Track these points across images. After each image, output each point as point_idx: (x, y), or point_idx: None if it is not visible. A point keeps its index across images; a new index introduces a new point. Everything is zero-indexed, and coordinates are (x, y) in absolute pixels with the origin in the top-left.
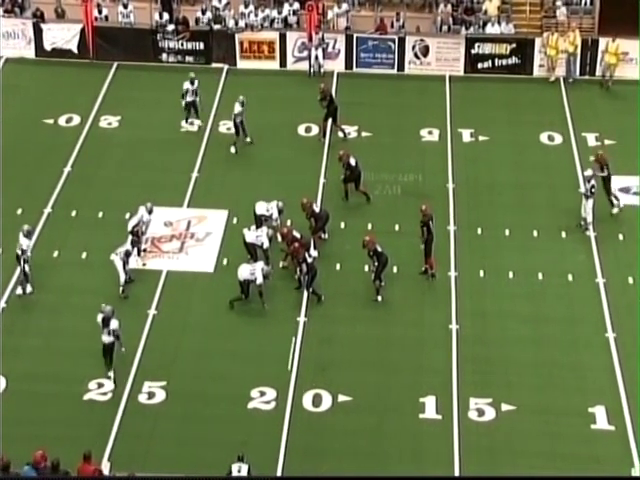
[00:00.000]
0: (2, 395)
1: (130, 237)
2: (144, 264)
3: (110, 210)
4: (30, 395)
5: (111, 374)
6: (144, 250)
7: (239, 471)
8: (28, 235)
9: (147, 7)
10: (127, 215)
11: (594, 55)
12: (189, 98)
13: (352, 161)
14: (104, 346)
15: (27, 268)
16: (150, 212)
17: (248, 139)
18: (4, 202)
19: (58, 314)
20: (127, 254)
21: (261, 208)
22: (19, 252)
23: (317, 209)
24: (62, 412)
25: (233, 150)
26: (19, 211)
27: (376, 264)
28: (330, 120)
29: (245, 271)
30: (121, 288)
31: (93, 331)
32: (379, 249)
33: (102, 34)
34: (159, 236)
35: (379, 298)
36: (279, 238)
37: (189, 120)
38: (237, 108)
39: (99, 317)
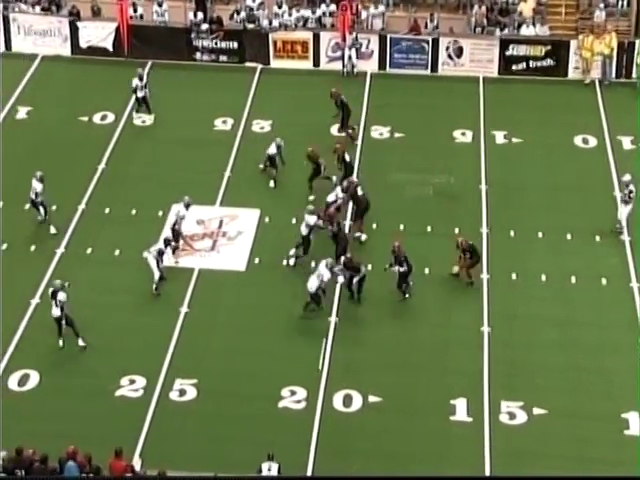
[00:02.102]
0: (36, 390)
1: (163, 236)
2: (177, 262)
3: (143, 208)
4: (63, 391)
5: (81, 341)
6: (176, 248)
7: (269, 470)
8: (41, 180)
9: (182, 6)
10: (160, 213)
11: (630, 58)
12: (140, 93)
13: (347, 157)
14: (55, 319)
15: (43, 211)
16: (187, 207)
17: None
18: None
19: (91, 310)
20: (160, 252)
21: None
22: (33, 196)
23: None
24: (94, 408)
25: (272, 184)
26: (54, 207)
27: (404, 269)
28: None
29: (313, 282)
30: (154, 285)
31: (126, 328)
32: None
33: (137, 33)
34: (191, 234)
35: (406, 296)
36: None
37: (139, 113)
38: (272, 149)
39: (49, 290)
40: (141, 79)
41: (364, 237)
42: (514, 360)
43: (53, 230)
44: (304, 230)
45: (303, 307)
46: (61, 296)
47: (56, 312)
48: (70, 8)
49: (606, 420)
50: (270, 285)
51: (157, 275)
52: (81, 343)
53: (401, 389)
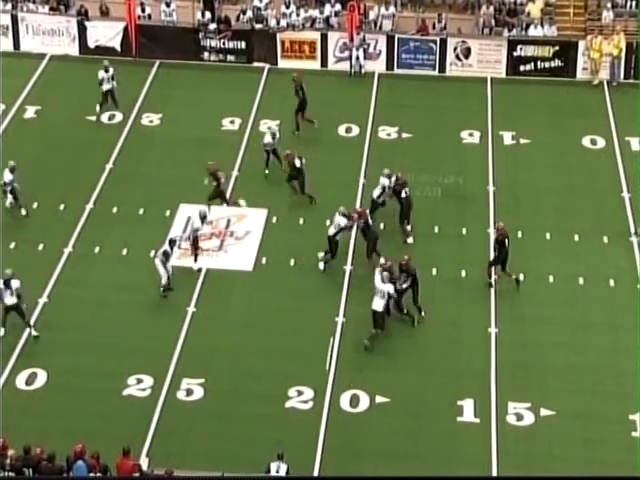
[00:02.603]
0: (43, 389)
1: (168, 239)
2: (199, 269)
3: (151, 207)
4: (70, 390)
5: (34, 332)
6: (179, 247)
7: (277, 470)
8: (12, 171)
9: (189, 6)
10: (168, 212)
11: (639, 58)
12: (106, 86)
13: (297, 162)
14: (8, 308)
15: (11, 198)
16: (203, 219)
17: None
18: (47, 198)
19: (98, 309)
20: (165, 254)
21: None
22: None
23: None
24: (102, 407)
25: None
26: (61, 207)
27: (408, 285)
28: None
29: (379, 303)
30: (162, 289)
31: (133, 327)
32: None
33: (145, 32)
34: (199, 234)
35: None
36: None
37: (103, 108)
38: (267, 139)
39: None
40: (107, 71)
41: (410, 240)
42: (521, 361)
43: (23, 212)
44: (331, 231)
45: (368, 339)
46: (15, 284)
47: (11, 300)
48: (78, 8)
49: (613, 422)
50: (277, 285)
51: (165, 279)
52: (34, 333)
53: (408, 390)
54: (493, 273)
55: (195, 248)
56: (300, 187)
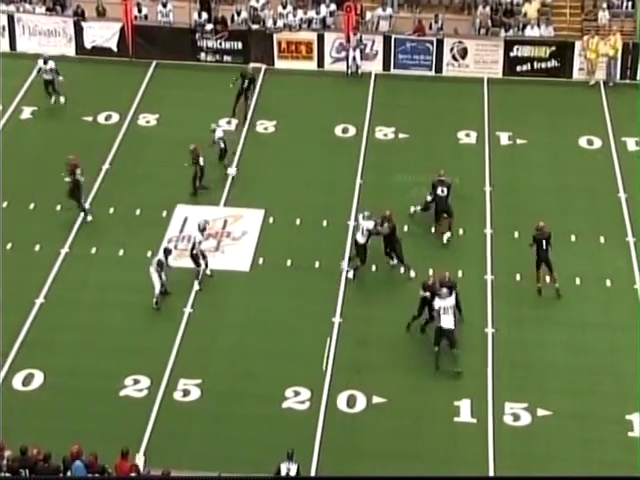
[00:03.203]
0: (40, 390)
1: (163, 247)
2: (211, 275)
3: (147, 208)
4: (67, 390)
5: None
6: (175, 247)
7: (288, 471)
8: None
9: (186, 6)
10: (164, 213)
11: (635, 59)
12: (46, 76)
13: (201, 161)
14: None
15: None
16: (203, 231)
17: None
18: (43, 199)
19: (95, 310)
20: (160, 264)
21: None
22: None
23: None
24: (98, 407)
25: (234, 172)
26: (58, 207)
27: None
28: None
29: (450, 320)
30: (155, 299)
31: (130, 328)
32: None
33: (141, 33)
34: (202, 246)
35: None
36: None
37: (52, 97)
38: (219, 133)
39: None
40: (45, 62)
41: (446, 237)
42: (518, 361)
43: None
44: (361, 238)
45: (435, 367)
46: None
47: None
48: (75, 8)
49: (611, 422)
50: (274, 285)
51: (158, 289)
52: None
53: (405, 390)
54: (541, 277)
55: (200, 258)
56: (199, 182)
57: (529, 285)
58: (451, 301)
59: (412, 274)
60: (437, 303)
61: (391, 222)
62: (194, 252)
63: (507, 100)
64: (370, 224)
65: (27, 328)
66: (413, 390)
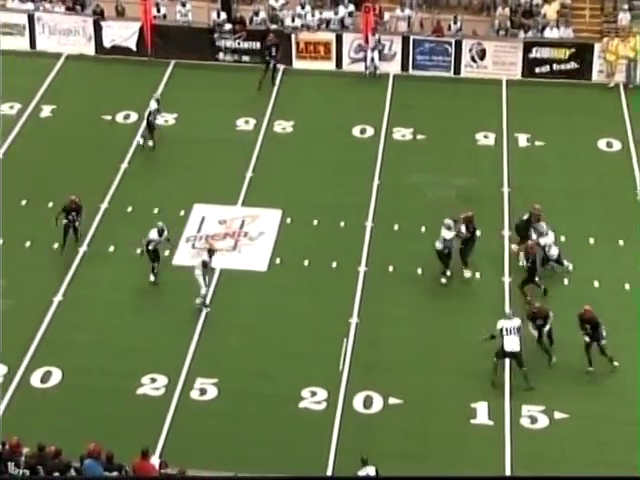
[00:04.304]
0: (58, 387)
1: (207, 249)
2: (155, 282)
3: (165, 207)
4: (85, 388)
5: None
6: (193, 247)
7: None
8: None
9: (205, 6)
10: (182, 212)
11: None
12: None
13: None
14: None
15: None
16: (160, 233)
17: (150, 143)
18: (62, 197)
19: (113, 309)
20: (205, 264)
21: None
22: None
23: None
24: (116, 406)
25: (151, 143)
26: None
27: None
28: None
29: (514, 342)
30: (202, 300)
31: (147, 326)
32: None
33: (160, 32)
34: (213, 234)
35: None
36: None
37: None
38: (152, 105)
39: None
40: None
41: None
42: (535, 363)
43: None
44: (439, 245)
45: (491, 380)
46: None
47: None
48: (94, 7)
49: (628, 424)
50: (291, 285)
51: (204, 290)
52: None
53: (422, 391)
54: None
55: (152, 260)
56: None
57: (547, 287)
58: (516, 322)
59: (467, 274)
60: (500, 324)
61: (472, 224)
62: (149, 248)
63: (526, 102)
64: (450, 234)
65: (45, 326)
66: (430, 391)
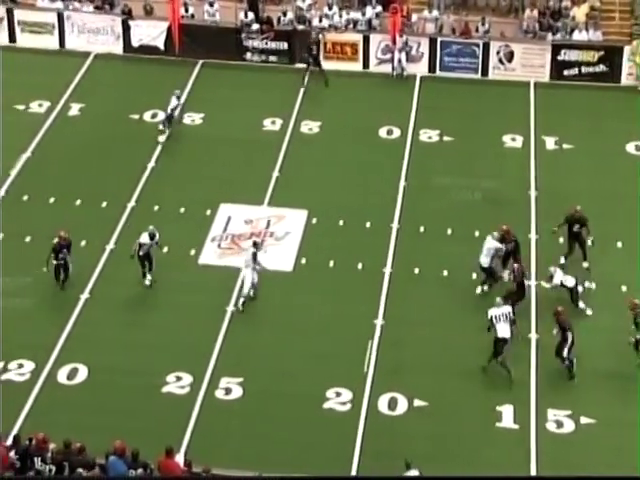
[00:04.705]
0: (84, 384)
1: (252, 241)
2: (151, 285)
3: (191, 206)
4: (110, 385)
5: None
6: (219, 247)
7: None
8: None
9: (232, 6)
10: (208, 212)
11: None
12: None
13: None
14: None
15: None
16: (152, 237)
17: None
18: (90, 195)
19: (139, 307)
20: (254, 257)
21: None
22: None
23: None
24: (140, 404)
25: (162, 139)
26: (104, 204)
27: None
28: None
29: (505, 329)
30: (242, 300)
31: (173, 325)
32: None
33: (188, 32)
34: (239, 234)
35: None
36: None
37: None
38: (173, 102)
39: None
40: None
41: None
42: (562, 368)
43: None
44: (485, 261)
45: (509, 378)
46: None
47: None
48: (123, 7)
49: None
50: (317, 286)
51: (247, 288)
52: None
53: (447, 393)
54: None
55: (142, 265)
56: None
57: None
58: (506, 309)
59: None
60: (490, 312)
61: (511, 235)
62: (140, 253)
63: (554, 104)
64: (496, 244)
65: (72, 323)
66: (455, 394)
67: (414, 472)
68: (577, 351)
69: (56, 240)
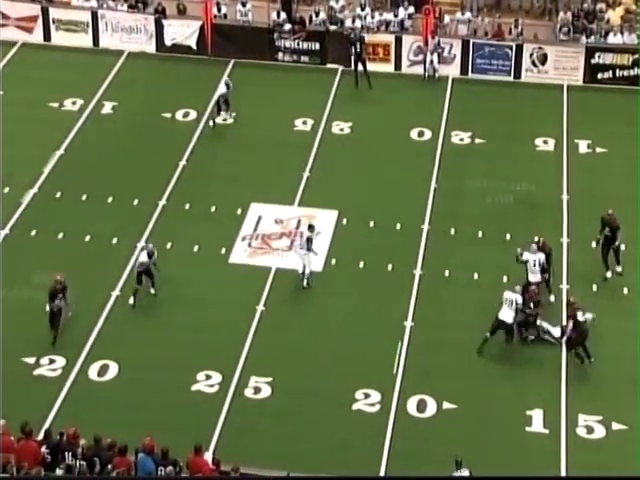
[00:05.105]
0: (114, 381)
1: (307, 225)
2: (155, 294)
3: (222, 205)
4: (140, 382)
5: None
6: (249, 246)
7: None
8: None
9: (265, 6)
10: (239, 211)
11: None
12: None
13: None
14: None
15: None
16: (150, 256)
17: (227, 116)
18: (122, 193)
19: (169, 305)
20: (309, 240)
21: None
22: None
23: None
24: (170, 401)
25: (211, 124)
26: (135, 202)
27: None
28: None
29: (508, 314)
30: (306, 280)
31: (202, 323)
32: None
33: (220, 31)
34: (269, 233)
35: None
36: None
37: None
38: (222, 89)
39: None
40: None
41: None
42: (594, 373)
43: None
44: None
45: (478, 351)
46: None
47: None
48: (156, 6)
49: None
50: (346, 287)
51: (308, 269)
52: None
53: (476, 397)
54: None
55: (139, 281)
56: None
57: (606, 296)
58: (517, 297)
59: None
60: (505, 294)
61: (547, 246)
62: (139, 270)
63: (587, 108)
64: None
65: (103, 319)
66: (484, 397)
67: (465, 472)
68: (608, 356)
69: (53, 284)
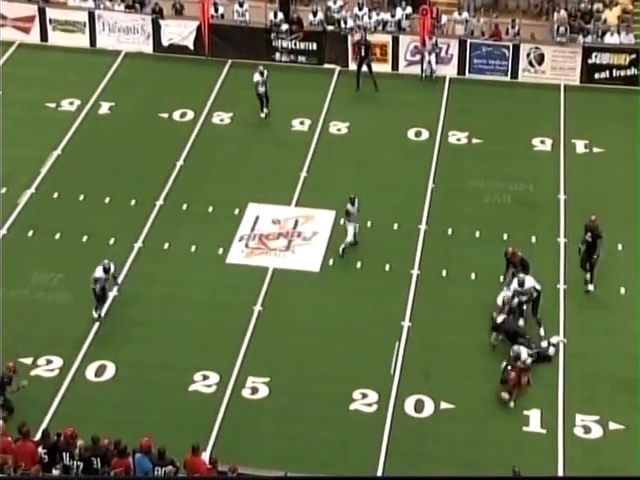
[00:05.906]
0: (111, 381)
1: (348, 203)
2: (99, 318)
3: (220, 205)
4: (137, 383)
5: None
6: (246, 246)
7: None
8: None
9: (262, 6)
10: (236, 211)
11: None
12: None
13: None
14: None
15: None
16: (106, 271)
17: (265, 111)
18: (119, 193)
19: (166, 305)
20: (348, 213)
21: None
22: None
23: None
24: (167, 401)
25: (263, 115)
26: (132, 202)
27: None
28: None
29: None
30: (343, 247)
31: (200, 323)
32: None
33: (218, 32)
34: (266, 233)
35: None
36: None
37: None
38: (256, 77)
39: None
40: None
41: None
42: (591, 373)
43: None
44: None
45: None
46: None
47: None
48: (153, 6)
49: None
50: (344, 287)
51: (349, 238)
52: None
53: (474, 397)
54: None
55: (97, 299)
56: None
57: (603, 295)
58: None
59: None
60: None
61: (517, 257)
62: (96, 287)
63: (584, 108)
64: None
65: (101, 320)
66: (482, 397)
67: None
68: (605, 356)
69: (4, 371)
